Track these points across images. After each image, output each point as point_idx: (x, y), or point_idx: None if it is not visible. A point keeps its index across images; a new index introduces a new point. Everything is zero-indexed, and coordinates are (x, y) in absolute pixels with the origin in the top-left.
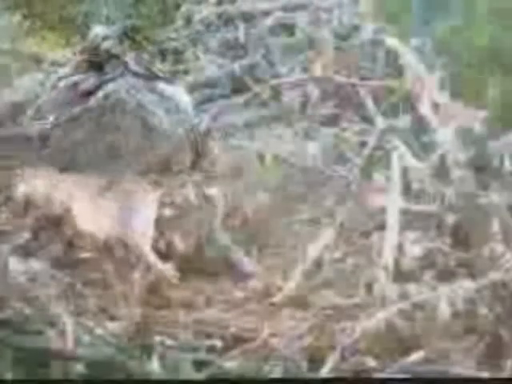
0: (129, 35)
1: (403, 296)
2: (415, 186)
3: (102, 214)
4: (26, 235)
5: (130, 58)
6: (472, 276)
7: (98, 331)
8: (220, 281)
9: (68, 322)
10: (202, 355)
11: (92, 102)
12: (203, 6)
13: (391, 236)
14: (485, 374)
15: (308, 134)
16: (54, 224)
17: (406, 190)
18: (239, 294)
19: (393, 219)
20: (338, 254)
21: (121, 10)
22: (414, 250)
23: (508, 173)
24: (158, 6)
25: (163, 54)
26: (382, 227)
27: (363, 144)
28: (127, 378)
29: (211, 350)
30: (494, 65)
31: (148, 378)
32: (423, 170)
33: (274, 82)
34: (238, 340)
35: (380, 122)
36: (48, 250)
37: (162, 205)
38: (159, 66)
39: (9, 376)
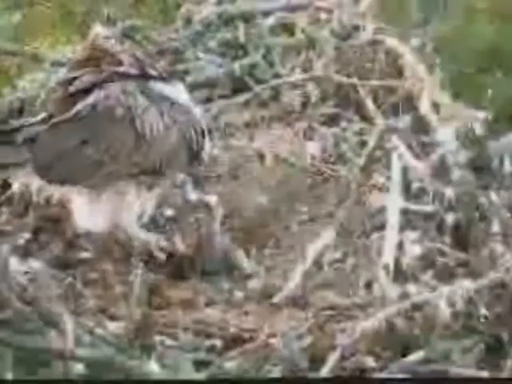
0: (129, 35)
1: (403, 296)
2: (415, 185)
3: (97, 212)
4: (26, 235)
5: (124, 57)
6: (472, 276)
7: (98, 331)
8: (220, 281)
9: (68, 322)
10: (201, 355)
11: (80, 107)
12: (203, 6)
13: (391, 236)
14: (485, 374)
15: (308, 134)
16: (54, 222)
17: (406, 189)
18: (239, 294)
19: (393, 219)
20: (337, 254)
21: (121, 9)
22: (414, 250)
23: (508, 173)
24: (158, 5)
25: (163, 54)
26: (382, 227)
27: (363, 144)
28: (127, 378)
29: (211, 350)
30: (493, 65)
31: (148, 378)
32: (423, 170)
33: (273, 81)
34: (237, 340)
35: (380, 122)
36: (48, 250)
37: (162, 205)
38: (161, 64)
39: (9, 376)
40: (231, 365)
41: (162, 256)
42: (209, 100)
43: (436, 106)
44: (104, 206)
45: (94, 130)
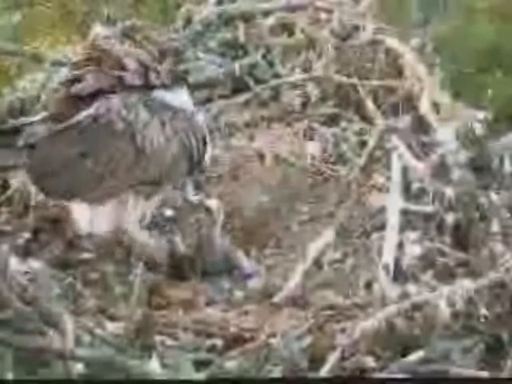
0: (129, 35)
1: (403, 296)
2: (415, 186)
3: (99, 216)
4: (26, 235)
5: (129, 62)
6: (472, 276)
7: (98, 331)
8: (220, 281)
9: (68, 322)
10: (202, 355)
11: (82, 117)
12: (203, 6)
13: (391, 236)
14: (485, 374)
15: (308, 134)
16: (54, 222)
17: (406, 190)
18: (239, 294)
19: (393, 219)
20: (337, 254)
21: (121, 9)
22: (414, 250)
23: (508, 173)
24: (158, 5)
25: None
26: (382, 227)
27: (363, 144)
28: (127, 378)
29: (211, 349)
30: (493, 65)
31: (148, 378)
32: (423, 170)
33: (273, 81)
34: (238, 340)
35: (380, 122)
36: (48, 250)
37: (162, 205)
38: (164, 65)
39: (9, 376)
40: (231, 364)
41: (162, 259)
42: (209, 100)
43: (436, 106)
44: (105, 209)
45: (94, 144)
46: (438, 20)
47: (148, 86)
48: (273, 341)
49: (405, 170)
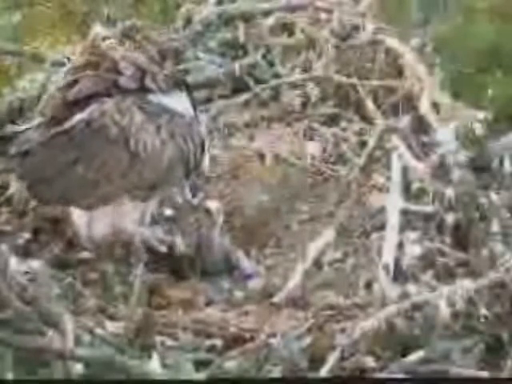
0: (129, 35)
1: (403, 296)
2: (415, 186)
3: (97, 222)
4: (26, 235)
5: (125, 67)
6: (472, 276)
7: (98, 331)
8: (220, 281)
9: (68, 322)
10: (202, 355)
11: (75, 122)
12: (203, 6)
13: (391, 236)
14: (485, 374)
15: (308, 134)
16: (54, 222)
17: (406, 190)
18: (239, 294)
19: (393, 219)
20: (337, 254)
21: (121, 9)
22: (414, 250)
23: (508, 173)
24: (158, 5)
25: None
26: (382, 227)
27: (363, 144)
28: (127, 378)
29: (211, 349)
30: (493, 65)
31: (148, 378)
32: (423, 170)
33: (273, 81)
34: (238, 340)
35: (380, 122)
36: (48, 250)
37: (162, 205)
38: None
39: (9, 376)
40: (231, 364)
41: (162, 249)
42: (209, 100)
43: (436, 106)
44: (103, 212)
45: (87, 149)
46: (438, 20)
47: (144, 90)
48: (273, 341)
49: (405, 170)
